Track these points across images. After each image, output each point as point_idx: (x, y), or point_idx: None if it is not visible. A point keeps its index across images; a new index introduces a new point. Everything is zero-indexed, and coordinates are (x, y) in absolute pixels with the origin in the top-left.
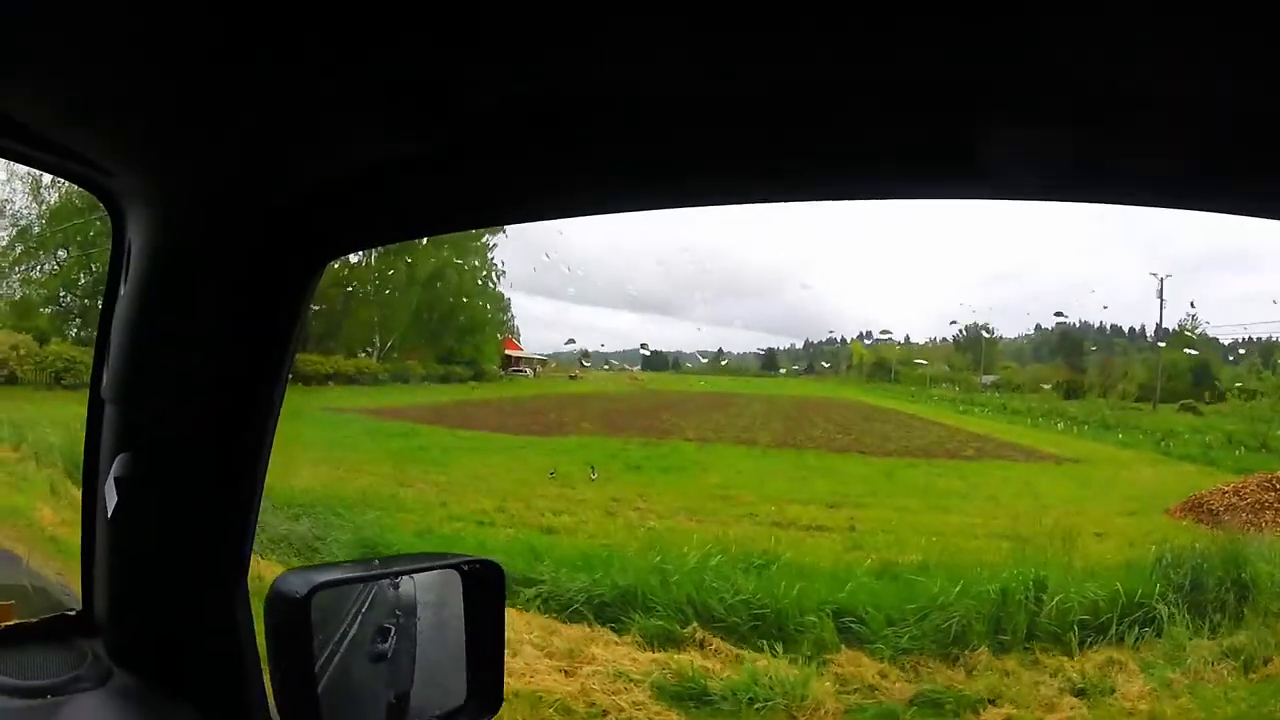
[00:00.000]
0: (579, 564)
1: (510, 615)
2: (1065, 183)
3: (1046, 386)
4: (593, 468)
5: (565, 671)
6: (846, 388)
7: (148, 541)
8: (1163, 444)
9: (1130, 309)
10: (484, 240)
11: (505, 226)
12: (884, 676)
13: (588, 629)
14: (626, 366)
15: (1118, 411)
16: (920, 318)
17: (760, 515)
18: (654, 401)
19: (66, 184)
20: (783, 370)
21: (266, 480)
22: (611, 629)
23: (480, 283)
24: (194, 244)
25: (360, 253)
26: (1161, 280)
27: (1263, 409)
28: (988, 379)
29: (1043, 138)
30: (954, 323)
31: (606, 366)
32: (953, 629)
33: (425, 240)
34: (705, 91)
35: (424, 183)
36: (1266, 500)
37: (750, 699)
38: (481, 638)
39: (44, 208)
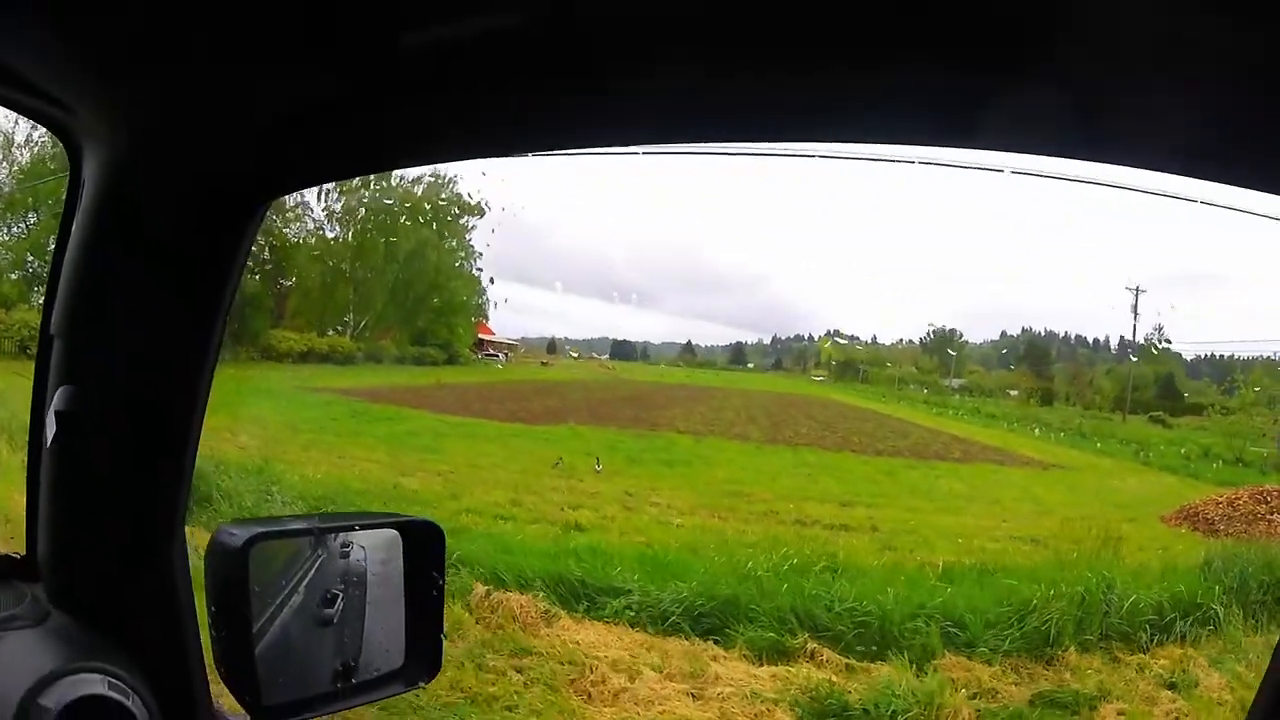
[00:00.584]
0: (650, 569)
1: (599, 630)
2: (1070, 140)
3: (1013, 393)
4: (598, 460)
5: (694, 695)
6: (817, 385)
7: (87, 481)
8: (1141, 454)
9: (1095, 321)
10: (464, 221)
11: (483, 208)
12: (996, 679)
13: (687, 642)
14: (595, 355)
15: (1090, 420)
16: (887, 319)
17: (780, 514)
18: (633, 391)
19: (38, 145)
20: (750, 364)
21: (275, 467)
22: (715, 642)
23: (457, 264)
24: (140, 183)
25: (341, 229)
26: (1137, 293)
27: (1239, 425)
28: (955, 382)
29: (1052, 89)
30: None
31: (574, 354)
32: (1049, 630)
33: (405, 219)
34: (649, 12)
35: (364, 121)
36: (1259, 512)
37: (892, 712)
38: (421, 600)
39: (14, 169)
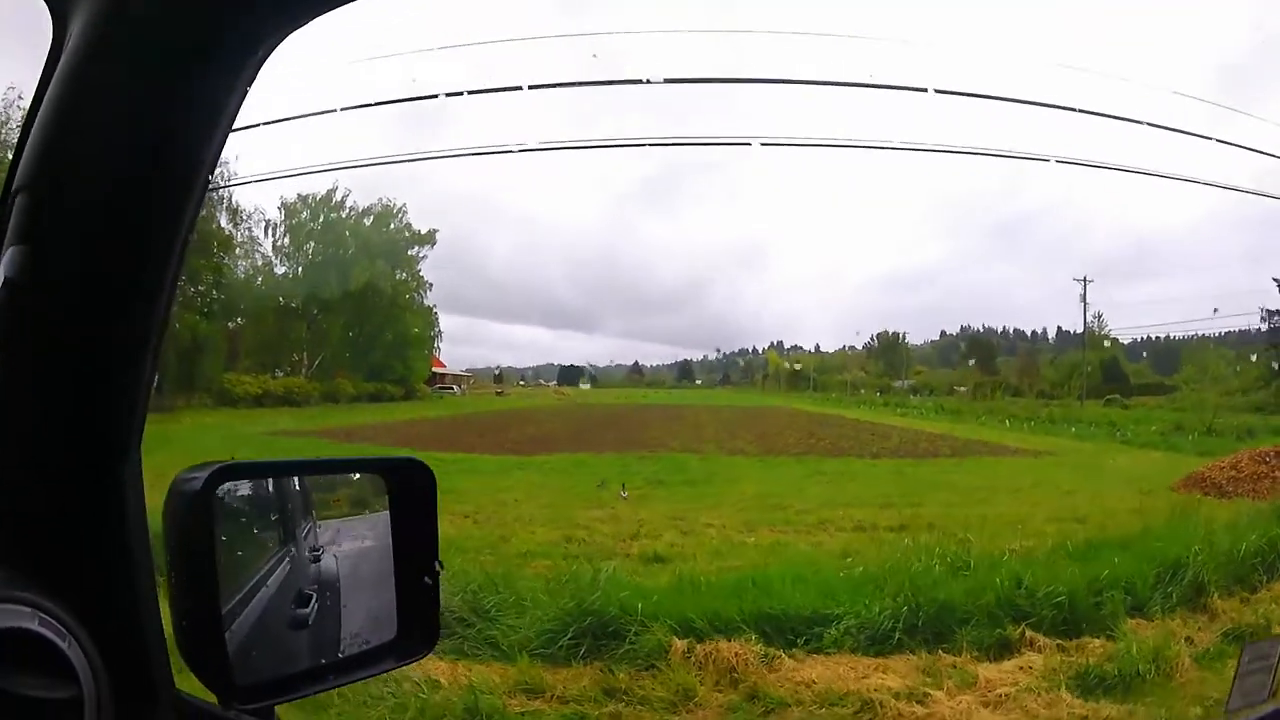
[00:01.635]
0: (801, 592)
1: (827, 663)
2: None
3: (961, 389)
4: (623, 486)
5: (985, 704)
6: (773, 396)
7: (27, 367)
8: (1117, 435)
9: (1028, 314)
10: (414, 251)
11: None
12: (1184, 629)
13: (919, 657)
14: (543, 381)
15: (1050, 408)
16: (828, 327)
17: (832, 522)
18: (605, 415)
19: None
20: (699, 380)
21: None
22: (944, 650)
23: (408, 296)
24: (124, 38)
25: (289, 264)
26: (1085, 282)
27: (1210, 398)
28: (904, 383)
29: None
30: (874, 334)
31: (521, 382)
32: (1195, 583)
33: (353, 249)
34: None
35: None
36: (1261, 471)
37: (1136, 670)
38: (413, 558)
39: None
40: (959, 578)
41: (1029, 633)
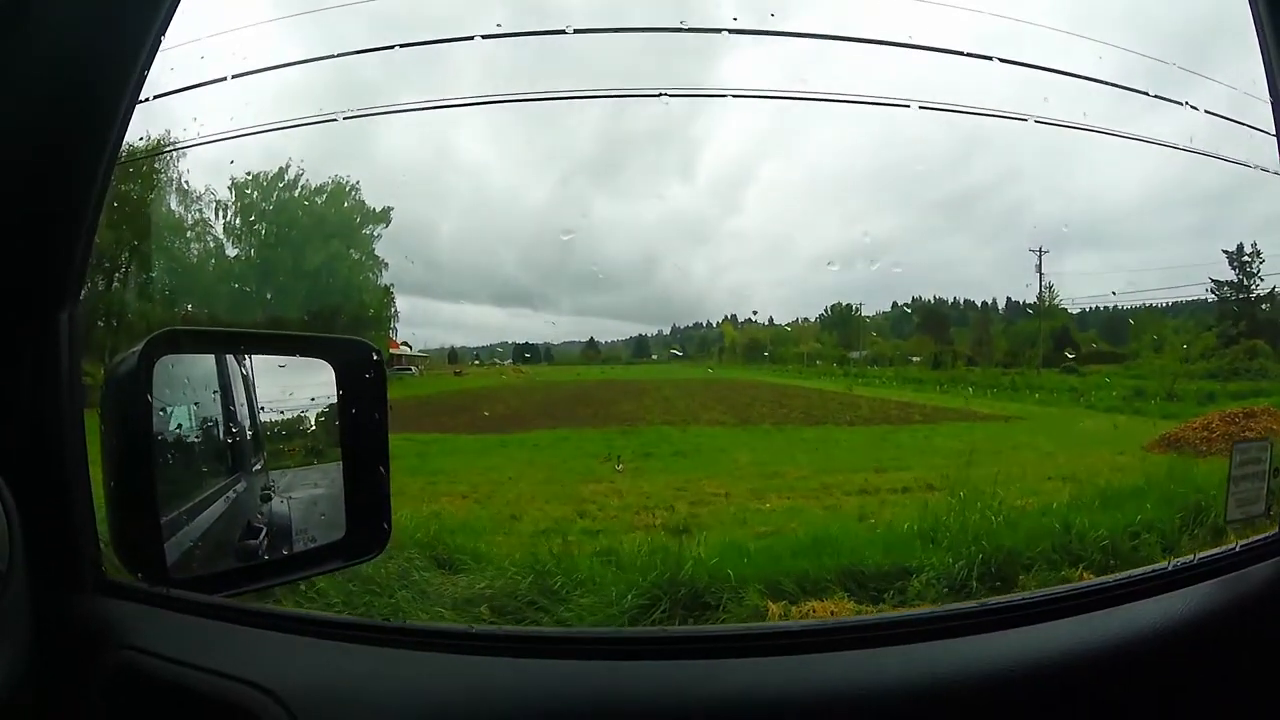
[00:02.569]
0: (852, 548)
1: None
2: None
3: (915, 359)
4: (618, 458)
5: None
6: (731, 369)
7: None
8: (1081, 400)
9: (978, 286)
10: (368, 230)
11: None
12: None
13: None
14: (498, 360)
15: (1013, 375)
16: (781, 300)
17: (835, 486)
18: (571, 391)
19: None
20: (655, 356)
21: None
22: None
23: (362, 277)
24: None
25: (241, 246)
26: (1040, 253)
27: (1171, 364)
28: (859, 354)
29: None
30: (828, 305)
31: (477, 362)
32: (1220, 525)
33: (307, 228)
34: None
35: None
36: (1232, 431)
37: None
38: (362, 453)
39: None
40: (1010, 528)
41: (1085, 573)
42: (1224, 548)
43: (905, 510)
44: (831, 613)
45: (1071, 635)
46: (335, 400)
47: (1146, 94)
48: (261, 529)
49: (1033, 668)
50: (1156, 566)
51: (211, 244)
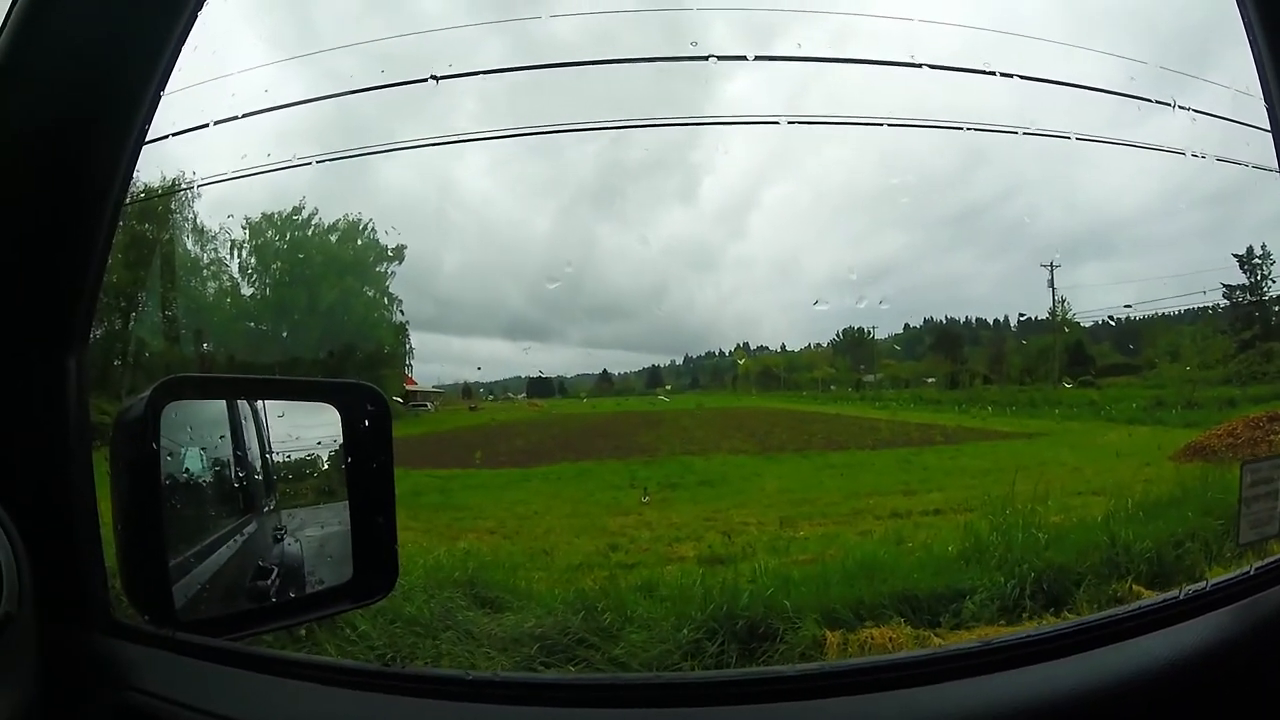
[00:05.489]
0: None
1: (976, 638)
2: None
3: (930, 380)
4: (645, 489)
5: None
6: (746, 397)
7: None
8: (1102, 413)
9: (989, 303)
10: (382, 267)
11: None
12: None
13: (1048, 618)
14: (511, 394)
15: (1027, 392)
16: (791, 326)
17: (867, 511)
18: (591, 424)
19: None
20: (669, 385)
21: None
22: (1068, 612)
23: (379, 314)
24: None
25: (257, 285)
26: (1053, 268)
27: (1189, 373)
28: (876, 377)
29: None
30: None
31: (490, 397)
32: None
33: (321, 266)
34: None
35: None
36: (1257, 436)
37: None
38: (367, 496)
39: None
40: (1056, 545)
41: (1135, 586)
42: (1238, 572)
43: (940, 532)
44: (890, 639)
45: (1076, 674)
46: (342, 441)
47: (1148, 100)
48: (273, 570)
49: (1034, 715)
50: (1167, 595)
51: (227, 282)
